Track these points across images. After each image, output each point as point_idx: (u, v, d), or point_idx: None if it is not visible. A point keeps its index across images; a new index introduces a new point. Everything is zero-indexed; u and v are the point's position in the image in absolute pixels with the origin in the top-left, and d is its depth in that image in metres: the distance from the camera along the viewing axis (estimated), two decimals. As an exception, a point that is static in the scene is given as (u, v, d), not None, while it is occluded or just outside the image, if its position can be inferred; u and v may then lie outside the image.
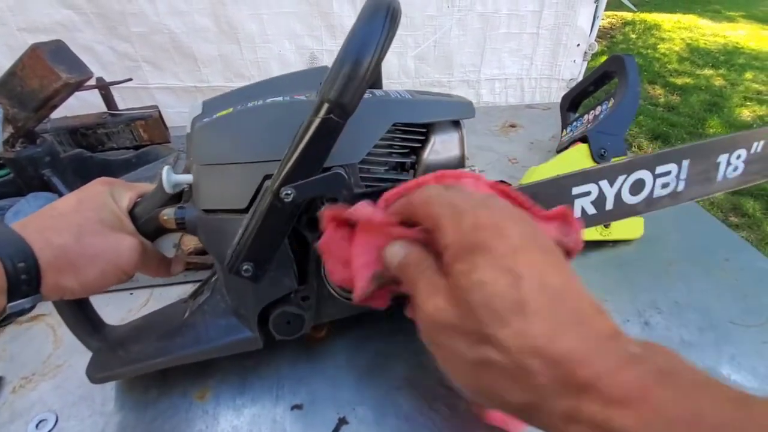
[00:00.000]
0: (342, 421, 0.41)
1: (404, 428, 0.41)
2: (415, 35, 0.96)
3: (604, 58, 0.76)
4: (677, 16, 4.61)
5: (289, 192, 0.32)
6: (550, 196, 0.43)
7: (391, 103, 0.39)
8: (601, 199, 0.45)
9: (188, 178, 0.37)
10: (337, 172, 0.34)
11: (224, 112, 0.37)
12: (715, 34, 4.20)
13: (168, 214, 0.37)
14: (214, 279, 0.46)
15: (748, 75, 3.35)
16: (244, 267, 0.35)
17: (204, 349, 0.42)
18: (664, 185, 0.46)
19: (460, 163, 0.42)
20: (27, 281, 0.30)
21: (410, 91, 0.43)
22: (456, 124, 0.41)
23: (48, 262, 0.31)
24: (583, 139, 0.64)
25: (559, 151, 0.78)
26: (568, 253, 0.30)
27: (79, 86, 0.63)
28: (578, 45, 1.02)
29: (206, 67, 0.90)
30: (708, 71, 3.42)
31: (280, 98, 0.36)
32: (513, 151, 0.86)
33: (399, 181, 0.40)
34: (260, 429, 0.40)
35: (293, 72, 0.42)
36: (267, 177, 0.35)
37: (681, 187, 0.46)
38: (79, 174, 0.71)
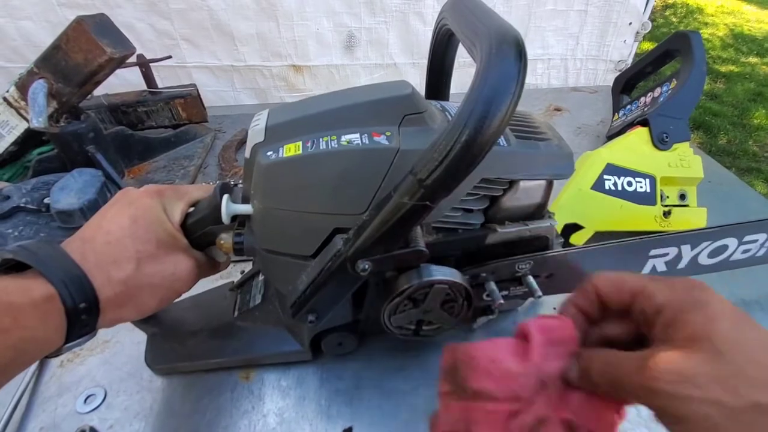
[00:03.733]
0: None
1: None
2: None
3: (646, 44, 0.70)
4: (721, 0, 4.35)
5: (366, 267, 0.31)
6: (626, 256, 0.41)
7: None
8: (676, 260, 0.42)
9: (247, 209, 0.34)
10: (419, 249, 0.32)
11: (293, 148, 0.32)
12: (760, 20, 3.94)
13: (225, 239, 0.35)
14: (261, 281, 0.46)
15: (798, 63, 3.14)
16: (309, 318, 0.35)
17: (256, 356, 0.43)
18: (746, 251, 0.44)
19: (539, 211, 0.39)
20: (86, 321, 0.28)
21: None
22: None
23: (108, 299, 0.29)
24: (643, 123, 0.60)
25: (609, 137, 0.74)
26: None
27: (122, 62, 0.62)
28: (630, 24, 0.95)
29: (243, 45, 0.89)
30: (753, 59, 3.22)
31: (357, 136, 0.31)
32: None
33: (470, 225, 0.37)
34: (306, 412, 0.40)
35: (367, 86, 0.35)
36: (337, 230, 0.33)
37: (761, 252, 0.44)
38: (121, 151, 0.71)
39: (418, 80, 1.03)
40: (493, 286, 0.40)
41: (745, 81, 2.91)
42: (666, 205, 0.57)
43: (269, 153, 0.32)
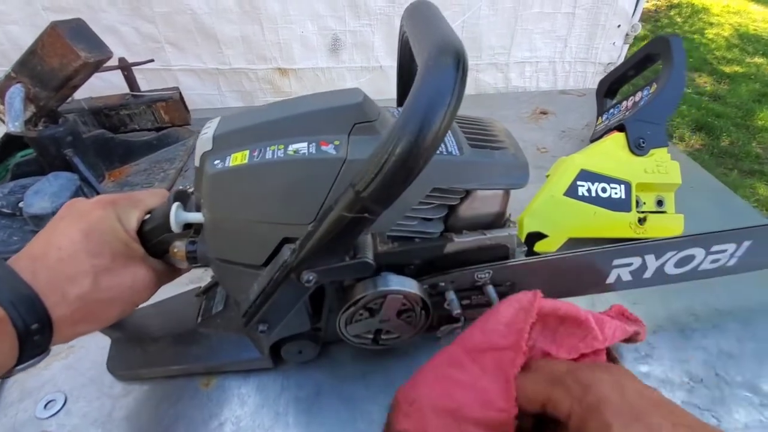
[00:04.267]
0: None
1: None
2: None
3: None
4: (727, 0, 4.29)
5: (311, 278, 0.32)
6: (589, 266, 0.41)
7: (434, 165, 0.31)
8: (641, 269, 0.41)
9: (198, 217, 0.34)
10: (365, 261, 0.32)
11: (239, 157, 0.31)
12: (766, 20, 3.88)
13: (179, 247, 0.35)
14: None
15: (805, 64, 3.09)
16: (259, 328, 0.36)
17: (217, 363, 0.43)
18: (714, 261, 0.43)
19: (498, 220, 0.39)
20: (39, 342, 0.28)
21: (460, 126, 0.37)
22: None
23: (64, 317, 0.28)
24: (620, 128, 0.59)
25: (593, 141, 0.73)
26: (634, 339, 0.34)
27: (98, 66, 0.62)
28: (619, 26, 0.94)
29: (228, 48, 0.89)
30: (759, 59, 3.17)
31: (305, 145, 0.31)
32: (543, 139, 0.81)
33: (428, 234, 0.37)
34: (263, 420, 0.39)
35: (320, 94, 0.35)
36: (286, 240, 0.33)
37: (732, 262, 0.43)
38: (101, 155, 0.71)
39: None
40: (452, 295, 0.39)
41: (750, 82, 2.87)
42: (642, 212, 0.56)
43: (216, 162, 0.32)
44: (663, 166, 0.56)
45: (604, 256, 0.39)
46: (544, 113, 0.90)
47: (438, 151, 0.33)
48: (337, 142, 0.32)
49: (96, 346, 0.45)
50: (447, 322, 0.46)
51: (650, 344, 0.44)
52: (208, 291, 0.47)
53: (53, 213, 0.55)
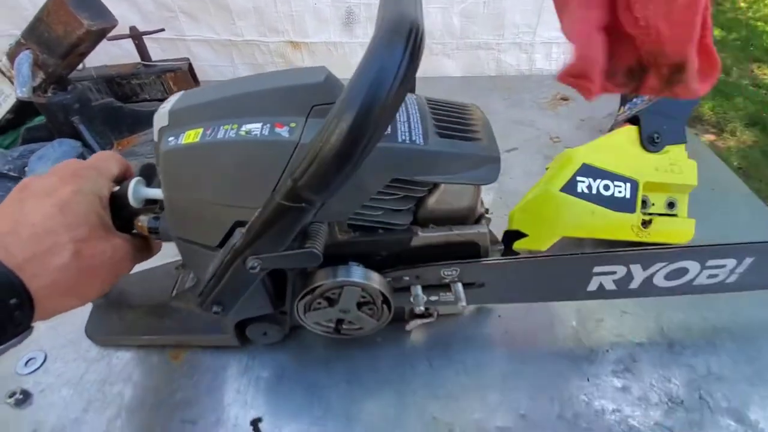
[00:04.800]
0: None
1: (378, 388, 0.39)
2: (465, -11, 0.86)
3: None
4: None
5: (256, 265, 0.31)
6: (566, 271, 0.38)
7: (393, 154, 0.31)
8: (626, 279, 0.38)
9: (158, 193, 0.34)
10: (311, 251, 0.31)
11: (192, 135, 0.30)
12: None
13: (142, 221, 0.35)
14: None
15: None
16: (213, 309, 0.35)
17: (186, 338, 0.44)
18: (712, 276, 0.38)
19: (470, 215, 0.37)
20: (20, 319, 0.27)
21: (432, 111, 0.34)
22: None
23: (44, 289, 0.28)
24: (634, 120, 0.54)
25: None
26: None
27: (103, 34, 0.63)
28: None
29: (241, 20, 0.88)
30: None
31: (258, 126, 0.30)
32: (558, 128, 0.76)
33: (393, 225, 0.35)
34: (221, 397, 0.40)
35: (284, 71, 0.33)
36: (238, 223, 0.32)
37: (731, 279, 0.39)
38: (109, 123, 0.73)
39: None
40: (418, 290, 0.38)
41: (819, 75, 2.58)
42: (649, 213, 0.51)
43: (170, 138, 0.31)
44: (678, 165, 0.51)
45: (585, 263, 0.36)
46: (565, 99, 0.84)
47: (400, 139, 0.31)
48: (293, 125, 0.30)
49: (80, 310, 0.47)
50: (420, 316, 0.44)
51: (632, 357, 0.41)
52: (186, 265, 0.48)
53: (53, 179, 0.57)
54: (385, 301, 0.37)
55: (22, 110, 0.70)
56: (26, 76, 0.60)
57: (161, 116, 0.32)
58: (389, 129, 0.31)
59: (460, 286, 0.38)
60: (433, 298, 0.39)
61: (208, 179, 0.31)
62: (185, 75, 0.78)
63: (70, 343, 0.45)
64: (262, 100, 0.31)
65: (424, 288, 0.38)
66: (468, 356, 0.42)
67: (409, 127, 0.32)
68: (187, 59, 0.80)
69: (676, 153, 0.52)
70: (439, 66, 0.97)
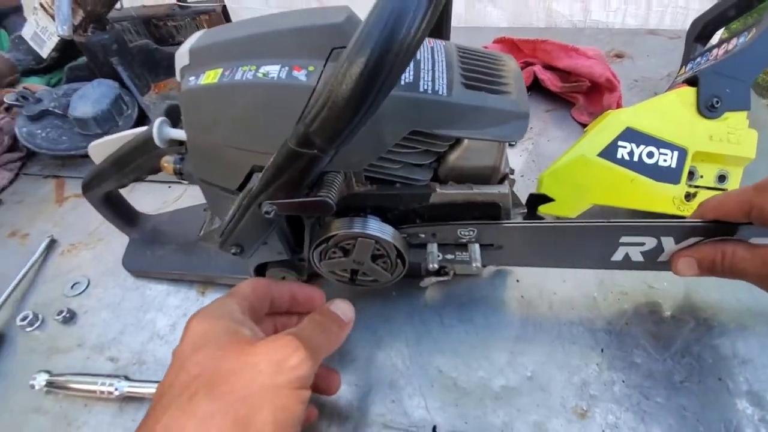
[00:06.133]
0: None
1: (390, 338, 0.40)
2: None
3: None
4: None
5: (270, 210, 0.31)
6: (590, 239, 0.36)
7: (413, 104, 0.29)
8: (655, 251, 0.35)
9: (182, 134, 0.34)
10: (324, 200, 0.30)
11: (212, 75, 0.30)
12: None
13: (168, 161, 0.36)
14: None
15: None
16: (232, 250, 0.36)
17: (210, 275, 0.46)
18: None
19: (493, 174, 0.35)
20: None
21: (460, 60, 0.32)
22: None
23: None
24: (692, 81, 0.49)
25: (664, 95, 0.62)
26: None
27: (139, -28, 0.62)
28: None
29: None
30: None
31: (276, 68, 0.29)
32: (607, 88, 0.70)
33: (411, 180, 0.34)
34: (242, 334, 0.43)
35: (305, 10, 0.31)
36: (256, 168, 0.32)
37: None
38: (147, 65, 0.74)
39: (462, 8, 0.92)
40: (434, 248, 0.37)
41: None
42: (695, 186, 0.48)
43: (191, 78, 0.31)
44: (735, 135, 0.47)
45: (609, 231, 0.34)
46: (620, 56, 0.77)
47: (421, 89, 0.30)
48: (311, 68, 0.29)
49: (120, 243, 0.51)
50: (436, 274, 0.44)
51: (652, 333, 0.39)
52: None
53: (93, 118, 0.59)
54: (399, 255, 0.37)
55: (66, 49, 0.73)
56: (66, 14, 0.61)
57: (182, 55, 0.32)
58: (411, 77, 0.30)
59: (477, 246, 0.37)
60: (449, 256, 0.38)
61: (227, 122, 0.31)
62: (219, 17, 0.77)
63: (110, 272, 0.49)
64: (282, 40, 0.30)
65: (441, 246, 0.38)
66: (480, 316, 0.42)
67: (433, 76, 0.30)
68: (222, 1, 0.79)
69: (735, 120, 0.47)
70: (483, 14, 0.91)
